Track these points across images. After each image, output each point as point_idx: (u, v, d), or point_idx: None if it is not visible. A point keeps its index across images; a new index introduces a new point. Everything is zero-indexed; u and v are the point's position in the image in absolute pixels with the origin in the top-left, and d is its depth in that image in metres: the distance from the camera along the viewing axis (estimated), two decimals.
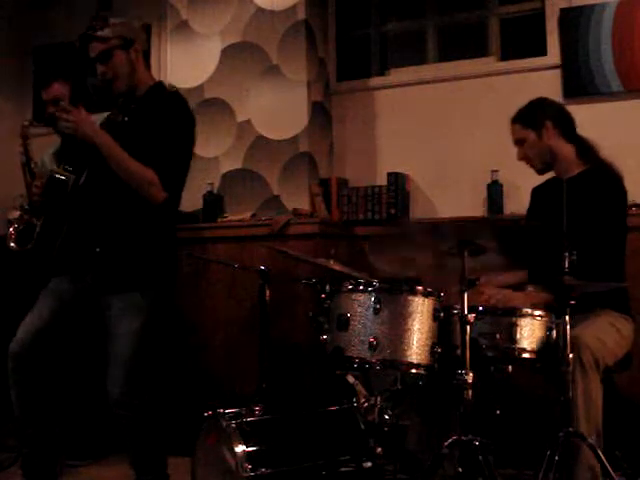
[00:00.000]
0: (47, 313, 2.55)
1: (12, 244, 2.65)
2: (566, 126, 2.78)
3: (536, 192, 2.98)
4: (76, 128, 2.48)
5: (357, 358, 2.34)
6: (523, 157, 2.83)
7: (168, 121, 2.56)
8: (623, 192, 2.67)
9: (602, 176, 2.69)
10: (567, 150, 2.77)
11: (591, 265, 2.46)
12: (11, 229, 2.69)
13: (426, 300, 2.36)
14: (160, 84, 2.75)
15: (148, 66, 2.74)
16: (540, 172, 2.85)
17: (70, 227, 2.56)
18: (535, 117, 2.77)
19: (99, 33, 2.56)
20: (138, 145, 2.49)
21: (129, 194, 2.51)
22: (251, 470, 2.20)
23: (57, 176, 2.56)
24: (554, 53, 3.70)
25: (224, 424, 2.29)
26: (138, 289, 2.52)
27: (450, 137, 3.88)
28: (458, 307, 2.27)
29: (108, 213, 2.56)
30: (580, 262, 2.41)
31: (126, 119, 2.57)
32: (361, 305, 2.36)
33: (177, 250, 2.73)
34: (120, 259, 2.53)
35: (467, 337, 2.18)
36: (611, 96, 3.55)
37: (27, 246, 2.70)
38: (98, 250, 2.54)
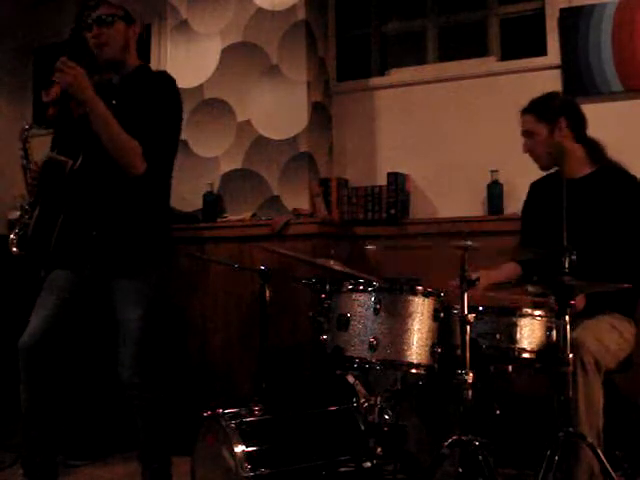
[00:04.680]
0: (53, 307, 2.55)
1: (14, 249, 2.66)
2: (578, 125, 2.74)
3: (535, 187, 2.96)
4: (71, 81, 2.46)
5: (357, 358, 2.34)
6: (529, 150, 2.79)
7: (155, 96, 2.57)
8: None
9: (618, 175, 2.68)
10: (577, 150, 2.74)
11: (614, 265, 2.47)
12: (12, 235, 2.69)
13: (426, 300, 2.36)
14: (146, 65, 2.77)
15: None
16: (544, 168, 2.82)
17: (67, 213, 2.56)
18: (550, 111, 2.72)
19: None
20: (126, 121, 2.48)
21: (122, 177, 2.52)
22: (251, 470, 2.20)
23: (54, 158, 2.55)
24: (554, 53, 3.70)
25: (223, 424, 2.29)
26: (138, 273, 2.54)
27: (450, 137, 3.87)
28: (458, 307, 2.27)
29: (103, 198, 2.57)
30: (595, 263, 2.41)
31: (114, 102, 2.56)
32: (361, 305, 2.36)
33: (171, 229, 2.76)
34: (118, 244, 2.55)
35: (467, 337, 2.18)
36: (611, 96, 3.55)
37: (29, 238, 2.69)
38: (94, 234, 2.55)
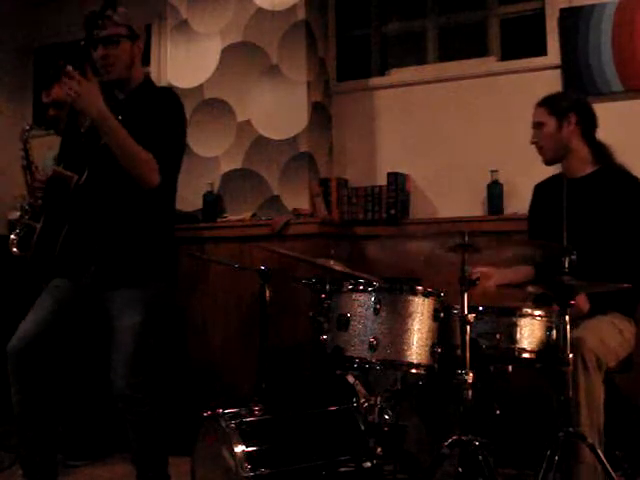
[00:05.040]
0: (47, 311, 2.55)
1: (15, 249, 2.67)
2: (588, 124, 2.75)
3: (539, 189, 2.96)
4: (76, 97, 2.43)
5: (357, 358, 2.33)
6: (536, 141, 2.79)
7: (160, 113, 2.58)
8: None
9: (620, 175, 2.69)
10: (582, 149, 2.75)
11: (615, 265, 2.48)
12: (13, 235, 2.70)
13: (426, 300, 2.36)
14: (150, 79, 2.79)
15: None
16: (548, 162, 2.82)
17: (71, 226, 2.56)
18: (561, 105, 2.75)
19: (112, 16, 2.56)
20: (134, 136, 2.48)
21: (128, 192, 2.52)
22: (250, 470, 2.19)
23: (60, 173, 2.55)
24: (554, 53, 3.70)
25: (223, 424, 2.28)
26: (139, 284, 2.54)
27: (450, 137, 3.87)
28: (458, 307, 2.26)
29: (107, 211, 2.57)
30: (596, 262, 2.42)
31: (120, 118, 2.57)
32: (361, 305, 2.36)
33: (176, 245, 2.75)
34: (119, 255, 2.55)
35: (467, 337, 2.18)
36: (611, 96, 3.54)
37: (29, 250, 2.71)
38: (97, 247, 2.55)
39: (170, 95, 2.73)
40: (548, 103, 2.77)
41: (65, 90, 2.45)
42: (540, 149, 2.79)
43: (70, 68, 2.44)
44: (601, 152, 2.75)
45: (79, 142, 2.62)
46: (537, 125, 2.78)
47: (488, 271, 2.67)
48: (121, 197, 2.56)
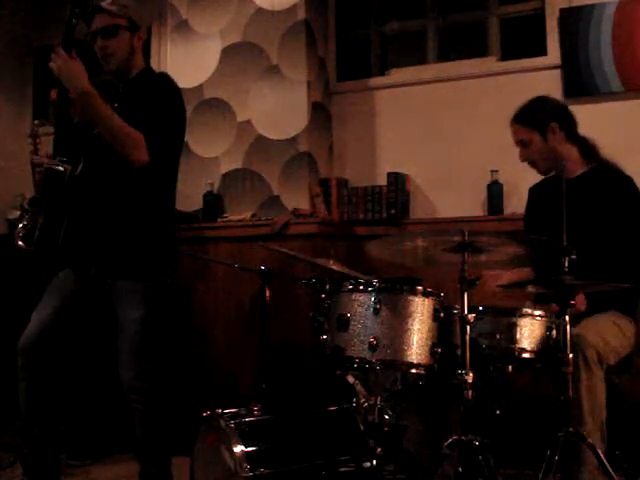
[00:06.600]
0: (54, 308, 2.55)
1: (20, 242, 2.67)
2: (570, 126, 2.77)
3: (534, 191, 2.98)
4: (59, 72, 2.42)
5: (357, 358, 2.33)
6: (527, 159, 2.80)
7: (155, 96, 2.57)
8: (637, 190, 2.68)
9: (614, 175, 2.70)
10: (571, 151, 2.76)
11: (612, 264, 2.48)
12: (20, 225, 2.70)
13: (426, 300, 2.35)
14: (150, 67, 2.78)
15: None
16: (544, 173, 2.85)
17: (70, 219, 2.56)
18: (540, 118, 2.74)
19: (110, 7, 2.56)
20: (129, 121, 2.47)
21: (125, 181, 2.52)
22: (250, 470, 2.19)
23: (53, 168, 2.56)
24: (554, 53, 3.70)
25: (223, 424, 2.28)
26: (141, 276, 2.54)
27: (450, 137, 3.87)
28: (458, 307, 2.26)
29: (106, 201, 2.57)
30: (593, 262, 2.42)
31: (116, 105, 2.55)
32: (361, 305, 2.36)
33: (176, 237, 2.75)
34: (120, 246, 2.55)
35: (467, 337, 2.18)
36: (611, 96, 3.55)
37: (33, 245, 2.71)
38: (96, 237, 2.55)
39: (165, 80, 2.69)
40: (524, 119, 2.77)
41: (50, 65, 2.43)
42: (533, 164, 2.82)
43: (58, 45, 2.42)
44: (587, 148, 2.76)
45: (72, 133, 2.61)
46: (522, 143, 2.79)
47: (496, 273, 2.67)
48: (118, 187, 2.55)
